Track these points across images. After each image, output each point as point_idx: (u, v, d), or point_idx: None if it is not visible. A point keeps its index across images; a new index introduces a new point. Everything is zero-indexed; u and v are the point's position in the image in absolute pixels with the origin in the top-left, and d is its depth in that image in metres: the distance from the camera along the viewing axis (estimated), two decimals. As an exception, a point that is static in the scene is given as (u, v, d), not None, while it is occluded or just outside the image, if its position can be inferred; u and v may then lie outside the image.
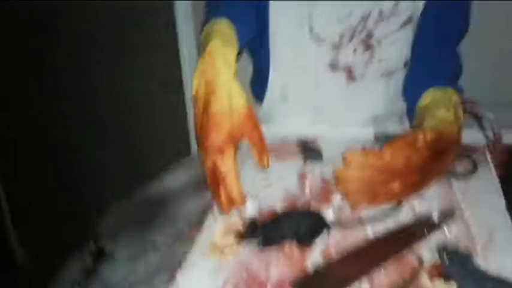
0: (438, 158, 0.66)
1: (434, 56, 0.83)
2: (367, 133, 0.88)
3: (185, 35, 1.41)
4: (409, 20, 0.85)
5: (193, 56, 1.44)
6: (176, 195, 0.79)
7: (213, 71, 0.67)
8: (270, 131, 0.89)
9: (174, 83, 1.45)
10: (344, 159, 0.62)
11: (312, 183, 0.75)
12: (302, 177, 0.77)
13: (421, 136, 0.62)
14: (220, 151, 0.64)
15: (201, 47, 0.74)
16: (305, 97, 0.93)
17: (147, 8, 1.39)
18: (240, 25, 0.79)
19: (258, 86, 0.99)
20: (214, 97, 0.66)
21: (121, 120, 1.59)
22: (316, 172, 0.78)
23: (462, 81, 0.86)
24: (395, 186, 0.63)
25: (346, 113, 0.91)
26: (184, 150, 1.52)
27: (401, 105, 0.90)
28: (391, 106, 0.91)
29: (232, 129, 0.65)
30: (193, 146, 1.54)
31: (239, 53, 0.80)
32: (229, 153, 0.64)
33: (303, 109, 0.93)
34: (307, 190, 0.73)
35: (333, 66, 0.89)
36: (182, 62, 1.44)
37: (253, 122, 0.67)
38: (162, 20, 1.38)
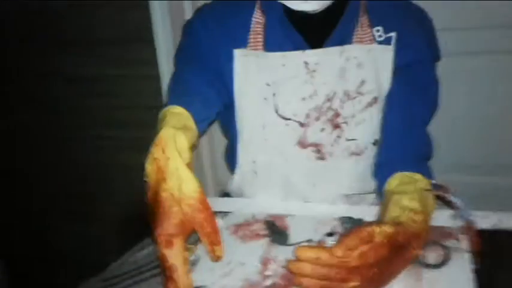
0: (400, 252, 0.62)
1: (402, 139, 0.82)
2: (338, 211, 0.84)
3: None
4: (374, 100, 0.85)
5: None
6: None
7: (164, 157, 0.65)
8: (239, 207, 0.87)
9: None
10: (296, 255, 0.58)
11: (274, 271, 0.71)
12: (265, 263, 0.73)
13: (377, 230, 0.59)
14: (168, 243, 0.61)
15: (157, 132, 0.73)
16: (274, 173, 0.90)
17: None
18: (198, 109, 0.79)
19: (230, 158, 0.98)
20: (164, 184, 0.63)
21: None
22: (280, 258, 0.74)
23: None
24: (352, 284, 0.58)
25: (316, 190, 0.89)
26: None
27: (373, 184, 0.88)
28: (362, 184, 0.89)
29: (182, 219, 0.63)
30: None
31: (200, 134, 0.79)
32: (177, 245, 0.61)
33: (273, 185, 0.91)
34: (267, 282, 0.68)
35: (302, 144, 0.87)
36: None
37: (205, 211, 0.64)
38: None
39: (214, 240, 0.65)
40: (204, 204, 0.64)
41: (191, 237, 0.68)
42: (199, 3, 1.29)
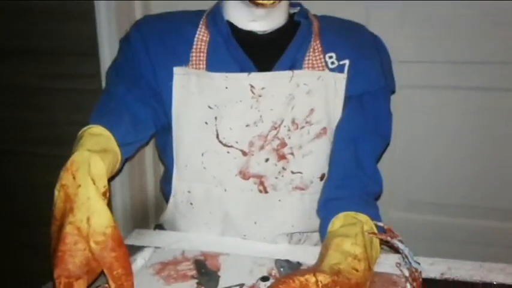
0: None
1: (350, 176, 0.75)
2: (277, 251, 0.77)
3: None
4: (323, 131, 0.78)
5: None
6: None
7: (74, 185, 0.56)
8: (169, 241, 0.78)
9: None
10: None
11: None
12: (187, 311, 0.64)
13: (312, 280, 0.51)
14: (68, 287, 0.51)
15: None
16: (212, 206, 0.82)
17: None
18: (125, 129, 0.71)
19: (166, 186, 0.89)
20: (72, 216, 0.54)
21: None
22: (206, 305, 0.65)
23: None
24: None
25: (256, 227, 0.80)
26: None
27: (317, 222, 0.81)
28: (306, 222, 0.81)
29: (87, 257, 0.54)
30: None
31: (126, 159, 0.71)
32: None
33: (209, 219, 0.82)
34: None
35: (243, 174, 0.80)
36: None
37: (117, 249, 0.55)
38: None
39: (125, 285, 0.56)
40: (116, 241, 0.56)
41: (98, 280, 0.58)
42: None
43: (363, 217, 0.67)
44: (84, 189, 0.57)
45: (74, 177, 0.58)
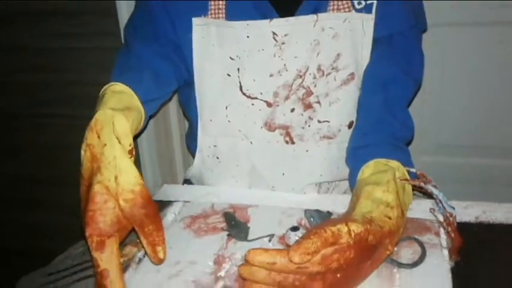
0: (370, 254, 0.54)
1: (379, 122, 0.72)
2: (306, 201, 0.76)
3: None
4: (351, 76, 0.75)
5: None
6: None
7: (99, 144, 0.56)
8: (197, 195, 0.79)
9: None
10: (246, 260, 0.50)
11: (229, 271, 0.63)
12: (219, 262, 0.64)
13: (344, 230, 0.50)
14: (100, 245, 0.52)
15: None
16: (238, 159, 0.81)
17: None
18: (147, 86, 0.69)
19: (191, 141, 0.88)
20: (99, 175, 0.54)
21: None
22: (238, 256, 0.65)
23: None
24: None
25: (284, 178, 0.80)
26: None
27: (347, 171, 0.79)
28: (335, 171, 0.80)
29: (119, 215, 0.54)
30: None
31: (150, 115, 0.70)
32: (110, 247, 0.53)
33: (236, 173, 0.82)
34: (219, 285, 0.60)
35: (269, 126, 0.78)
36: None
37: (147, 206, 0.55)
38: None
39: (157, 240, 0.56)
40: (145, 199, 0.56)
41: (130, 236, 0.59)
42: None
43: (394, 163, 0.65)
44: (110, 148, 0.57)
45: (99, 137, 0.58)
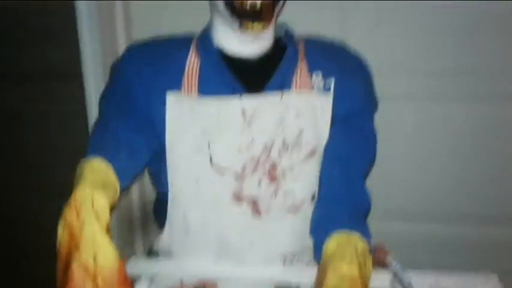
0: None
1: (340, 195, 0.77)
2: (274, 274, 0.79)
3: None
4: (313, 151, 0.81)
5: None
6: None
7: (78, 222, 0.57)
8: (166, 270, 0.79)
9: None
10: None
11: None
12: None
13: None
14: None
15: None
16: (208, 231, 0.82)
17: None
18: (123, 161, 0.71)
19: (159, 213, 0.89)
20: (78, 253, 0.55)
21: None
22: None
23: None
24: None
25: (251, 250, 0.82)
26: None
27: (310, 242, 0.83)
28: (300, 243, 0.83)
29: None
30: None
31: (124, 189, 0.72)
32: None
33: (206, 245, 0.83)
34: None
35: (237, 198, 0.81)
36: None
37: (123, 284, 0.56)
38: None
39: None
40: (123, 276, 0.57)
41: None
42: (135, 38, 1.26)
43: (356, 236, 0.70)
44: (88, 226, 0.57)
45: (78, 214, 0.58)
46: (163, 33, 0.87)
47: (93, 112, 1.24)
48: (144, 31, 1.18)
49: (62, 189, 1.26)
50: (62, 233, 0.59)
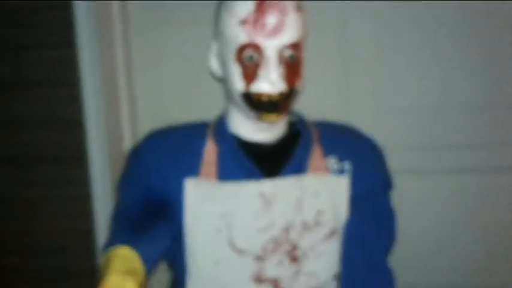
0: None
1: (364, 275, 0.79)
2: None
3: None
4: (332, 231, 0.82)
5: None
6: None
7: None
8: None
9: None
10: None
11: None
12: None
13: None
14: None
15: (101, 274, 0.65)
16: (227, 315, 0.81)
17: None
18: (146, 247, 0.73)
19: (175, 295, 0.88)
20: None
21: None
22: None
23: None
24: None
25: (274, 332, 0.81)
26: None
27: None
28: (324, 323, 0.82)
29: None
30: None
31: (149, 274, 0.72)
32: None
33: (225, 329, 0.81)
34: None
35: (258, 279, 0.81)
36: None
37: None
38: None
39: None
40: None
41: None
42: (140, 129, 1.30)
43: None
44: None
45: None
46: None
47: (98, 196, 1.24)
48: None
49: (63, 274, 1.22)
50: None
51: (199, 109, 1.19)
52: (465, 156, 1.19)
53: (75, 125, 1.22)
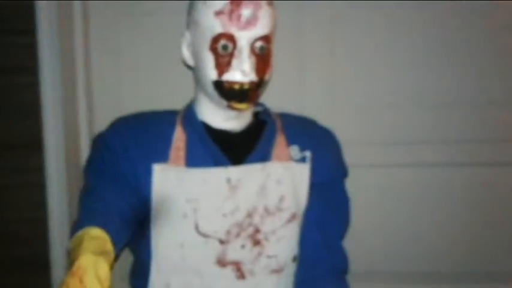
0: None
1: (322, 256, 0.84)
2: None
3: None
4: (293, 216, 0.87)
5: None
6: None
7: None
8: None
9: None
10: None
11: None
12: None
13: None
14: None
15: (69, 257, 0.67)
16: (191, 297, 0.84)
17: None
18: (116, 229, 0.74)
19: (138, 279, 0.89)
20: None
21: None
22: None
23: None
24: None
25: (235, 313, 0.84)
26: None
27: (293, 302, 0.87)
28: (283, 303, 0.87)
29: None
30: None
31: (116, 257, 0.73)
32: None
33: (188, 311, 0.84)
34: None
35: (221, 262, 0.84)
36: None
37: None
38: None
39: None
40: None
41: None
42: (96, 117, 1.29)
43: None
44: None
45: (81, 281, 0.59)
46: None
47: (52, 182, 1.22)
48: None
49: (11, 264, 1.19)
50: None
51: (156, 100, 1.20)
52: (418, 151, 1.24)
53: (31, 112, 1.19)
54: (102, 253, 0.65)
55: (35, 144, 1.20)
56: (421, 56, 1.22)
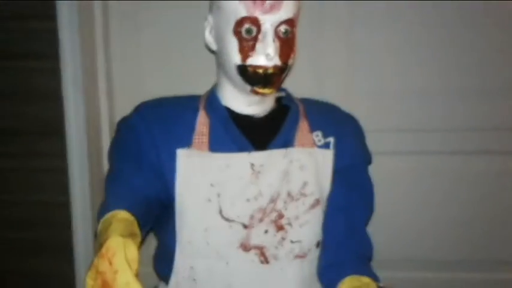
0: None
1: (346, 241, 0.84)
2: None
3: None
4: (316, 202, 0.87)
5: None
6: None
7: (111, 271, 0.59)
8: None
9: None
10: None
11: None
12: None
13: None
14: None
15: (97, 240, 0.67)
16: (215, 280, 0.85)
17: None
18: (142, 212, 0.74)
19: (162, 264, 0.90)
20: None
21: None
22: None
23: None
24: None
25: (259, 298, 0.84)
26: None
27: (318, 287, 0.87)
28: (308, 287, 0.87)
29: None
30: None
31: (143, 240, 0.73)
32: None
33: (213, 293, 0.85)
34: None
35: (244, 246, 0.84)
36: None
37: None
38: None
39: None
40: None
41: None
42: (117, 103, 1.29)
43: (366, 279, 0.75)
44: (122, 274, 0.59)
45: (110, 263, 0.60)
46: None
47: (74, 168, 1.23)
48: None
49: (38, 246, 1.21)
50: (92, 283, 0.60)
51: (176, 86, 1.20)
52: (437, 139, 1.25)
53: (53, 97, 1.20)
54: (130, 235, 0.66)
55: (56, 129, 1.22)
56: (445, 41, 1.22)
